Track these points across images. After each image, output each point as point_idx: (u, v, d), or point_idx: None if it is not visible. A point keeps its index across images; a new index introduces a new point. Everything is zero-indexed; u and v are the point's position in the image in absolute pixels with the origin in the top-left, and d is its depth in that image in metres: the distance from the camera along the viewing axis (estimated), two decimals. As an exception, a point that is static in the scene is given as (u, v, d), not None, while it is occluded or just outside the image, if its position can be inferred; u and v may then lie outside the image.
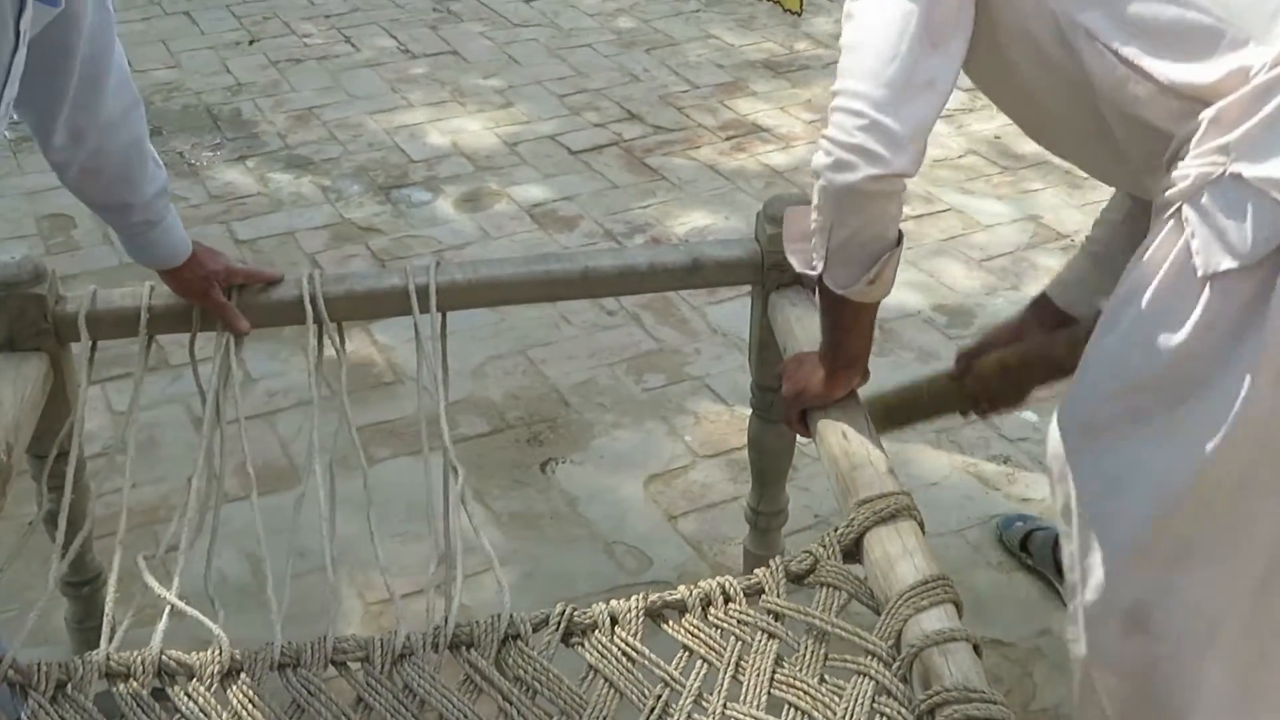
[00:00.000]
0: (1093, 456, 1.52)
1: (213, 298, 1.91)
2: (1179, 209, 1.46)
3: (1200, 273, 1.42)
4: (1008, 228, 3.85)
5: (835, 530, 1.47)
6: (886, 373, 3.12)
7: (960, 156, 4.29)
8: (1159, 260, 1.47)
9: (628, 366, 3.23)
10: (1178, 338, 1.44)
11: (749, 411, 3.00)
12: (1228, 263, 1.40)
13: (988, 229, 3.85)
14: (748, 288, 2.01)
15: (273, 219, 3.92)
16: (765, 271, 1.84)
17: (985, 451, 2.90)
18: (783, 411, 1.78)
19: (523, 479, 2.85)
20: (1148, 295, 1.47)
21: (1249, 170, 1.40)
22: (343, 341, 1.98)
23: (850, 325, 1.66)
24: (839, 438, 1.54)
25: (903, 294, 3.49)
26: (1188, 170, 1.45)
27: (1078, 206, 3.99)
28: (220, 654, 1.48)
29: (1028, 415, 3.02)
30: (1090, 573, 1.53)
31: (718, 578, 1.48)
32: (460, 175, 4.19)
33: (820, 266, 1.58)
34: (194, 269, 1.89)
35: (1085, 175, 3.90)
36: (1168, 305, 1.45)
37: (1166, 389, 1.46)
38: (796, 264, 1.66)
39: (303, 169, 4.22)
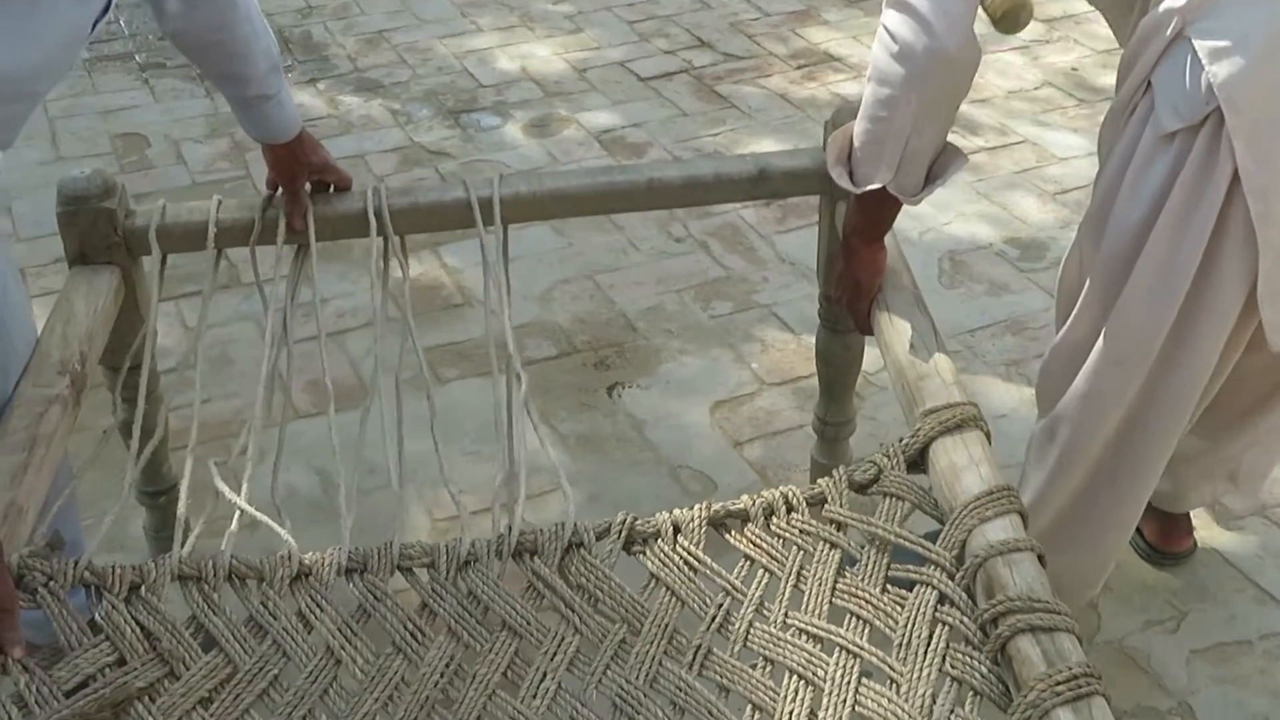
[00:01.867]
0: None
1: (297, 186, 1.93)
2: (1148, 79, 1.68)
3: (1159, 133, 1.65)
4: (1082, 161, 3.79)
5: (900, 440, 1.46)
6: (956, 304, 3.11)
7: (1036, 88, 4.22)
8: (1137, 123, 1.71)
9: (695, 293, 3.22)
10: (1149, 191, 1.68)
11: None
12: (1176, 123, 1.63)
13: (1062, 162, 3.79)
14: (815, 218, 2.01)
15: (342, 141, 3.94)
16: (833, 181, 1.83)
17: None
18: (854, 318, 1.82)
19: (589, 402, 2.86)
20: (1128, 157, 1.73)
21: (1192, 32, 1.60)
22: (406, 255, 1.98)
23: (894, 216, 1.77)
24: (905, 347, 1.53)
25: (974, 226, 3.46)
26: (1147, 29, 1.67)
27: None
28: (289, 559, 1.50)
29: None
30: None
31: (780, 488, 1.48)
32: (529, 100, 4.19)
33: (889, 175, 1.61)
34: (295, 151, 1.92)
35: None
36: (1141, 163, 1.70)
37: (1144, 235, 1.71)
38: (847, 184, 1.69)
39: (372, 92, 4.24)
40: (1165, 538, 2.40)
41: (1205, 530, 2.47)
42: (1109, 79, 4.29)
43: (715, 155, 3.70)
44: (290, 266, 1.98)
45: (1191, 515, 2.43)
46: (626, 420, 2.81)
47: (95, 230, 1.87)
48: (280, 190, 1.95)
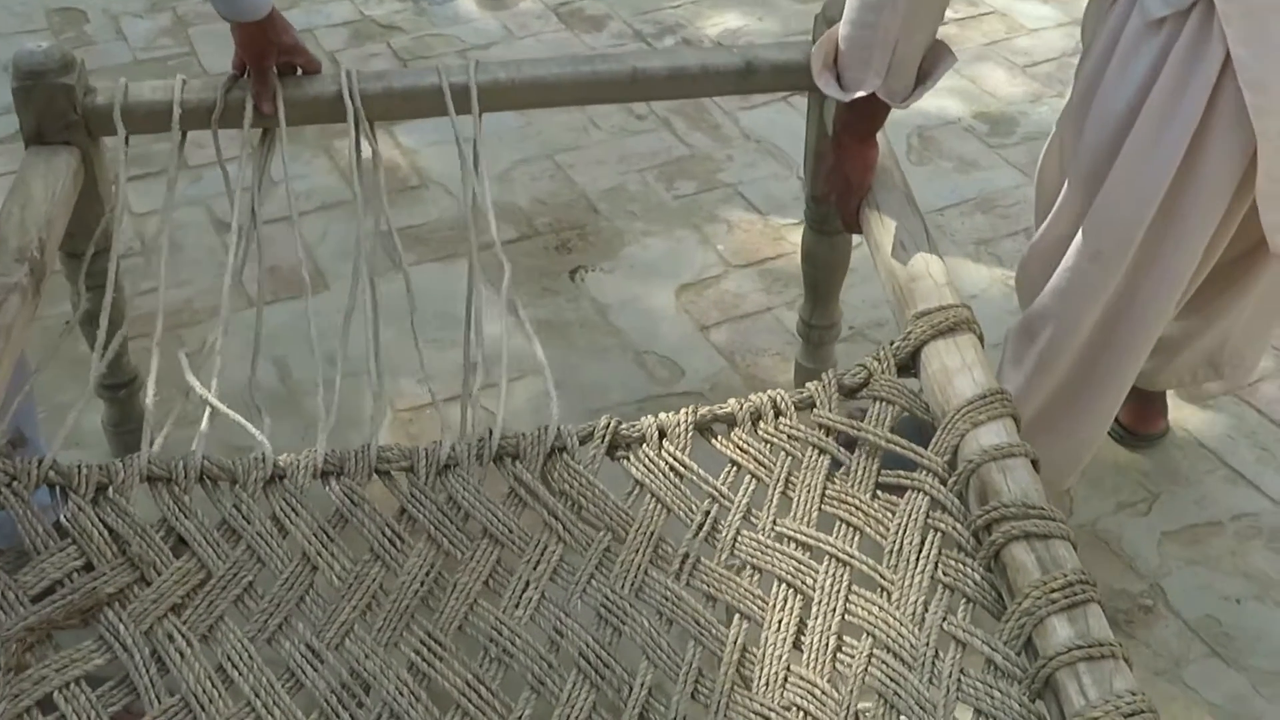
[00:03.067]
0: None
1: (265, 66, 1.87)
2: None
3: (1146, 19, 1.62)
4: (1053, 32, 3.74)
5: (891, 343, 1.44)
6: (924, 182, 3.07)
7: (1005, -43, 4.14)
8: (1122, 9, 1.68)
9: (658, 173, 3.17)
10: (1135, 78, 1.66)
11: (783, 220, 2.97)
12: (1163, 9, 1.59)
13: (1032, 33, 3.73)
14: (781, 94, 1.96)
15: (291, 15, 3.69)
16: (823, 75, 1.79)
17: (1025, 264, 2.86)
18: (843, 216, 1.79)
19: (551, 287, 2.82)
20: (1112, 44, 1.70)
21: None
22: (376, 141, 1.93)
23: (884, 116, 1.73)
24: (897, 248, 1.50)
25: (942, 100, 3.41)
26: None
27: (1126, 10, 3.86)
28: (264, 461, 1.47)
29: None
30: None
31: (768, 391, 1.45)
32: (483, -29, 4.07)
33: (878, 81, 1.58)
34: (266, 30, 1.85)
35: None
36: (1126, 49, 1.67)
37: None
38: (835, 91, 1.65)
39: (319, -38, 4.10)
40: (1139, 419, 2.41)
41: (1177, 411, 2.48)
42: (1079, -52, 4.21)
43: (699, 46, 3.61)
44: (255, 150, 1.91)
45: (1166, 396, 2.44)
46: (590, 305, 2.77)
47: (53, 108, 1.79)
48: (246, 71, 1.88)
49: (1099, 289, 1.77)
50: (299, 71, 1.92)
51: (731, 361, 2.62)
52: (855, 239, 2.01)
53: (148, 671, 1.30)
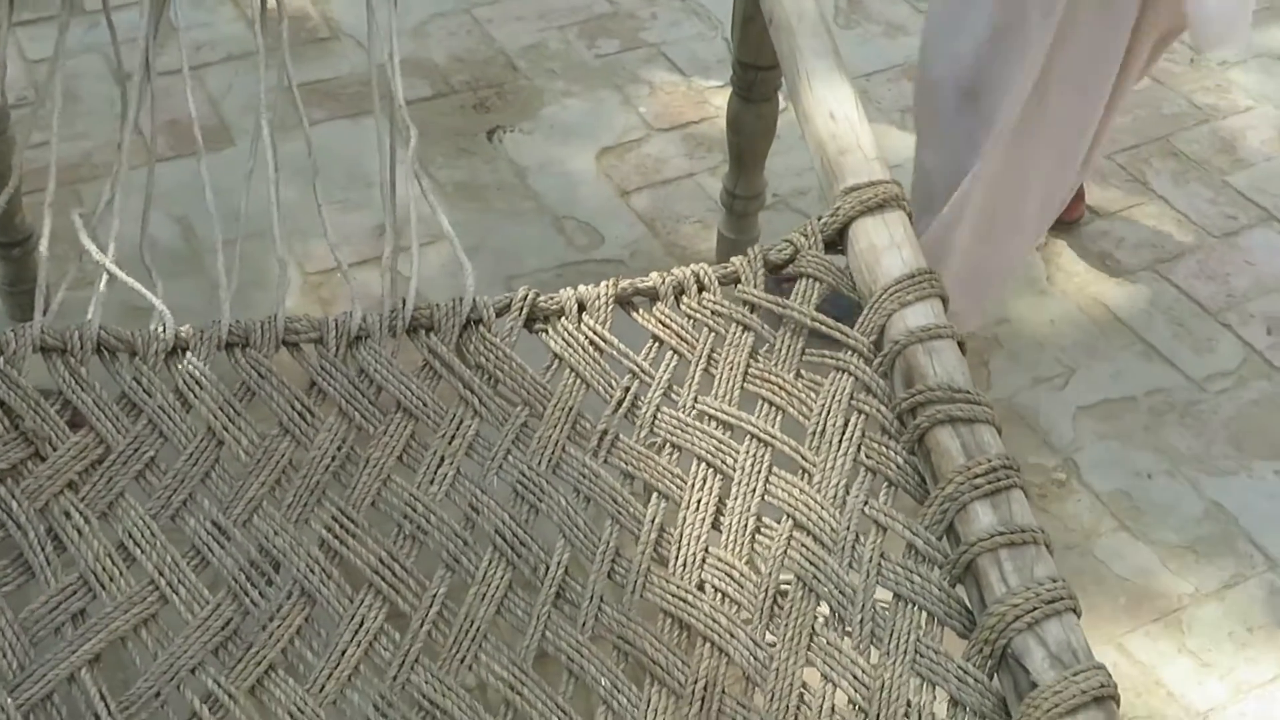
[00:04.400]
0: None
1: None
2: None
3: None
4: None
5: (818, 218, 1.40)
6: (851, 46, 3.02)
7: None
8: None
9: (580, 30, 3.09)
10: None
11: (708, 83, 2.91)
12: None
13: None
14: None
15: None
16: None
17: (950, 132, 2.83)
18: None
19: (468, 147, 2.75)
20: None
21: None
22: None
23: None
24: (826, 119, 1.45)
25: (871, -39, 3.34)
26: None
27: None
28: (164, 331, 1.41)
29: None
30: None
31: (691, 266, 1.41)
32: None
33: None
34: None
35: None
36: None
37: None
38: None
39: None
40: None
41: (1095, 285, 2.49)
42: None
43: None
44: (148, -1, 1.81)
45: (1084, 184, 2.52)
46: (508, 167, 2.71)
47: (-74, -52, 1.68)
48: None
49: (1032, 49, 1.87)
50: None
51: (652, 228, 2.59)
52: (782, 104, 1.97)
53: (43, 550, 1.26)
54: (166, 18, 1.81)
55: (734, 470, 1.29)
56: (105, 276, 1.50)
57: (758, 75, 1.92)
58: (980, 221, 2.05)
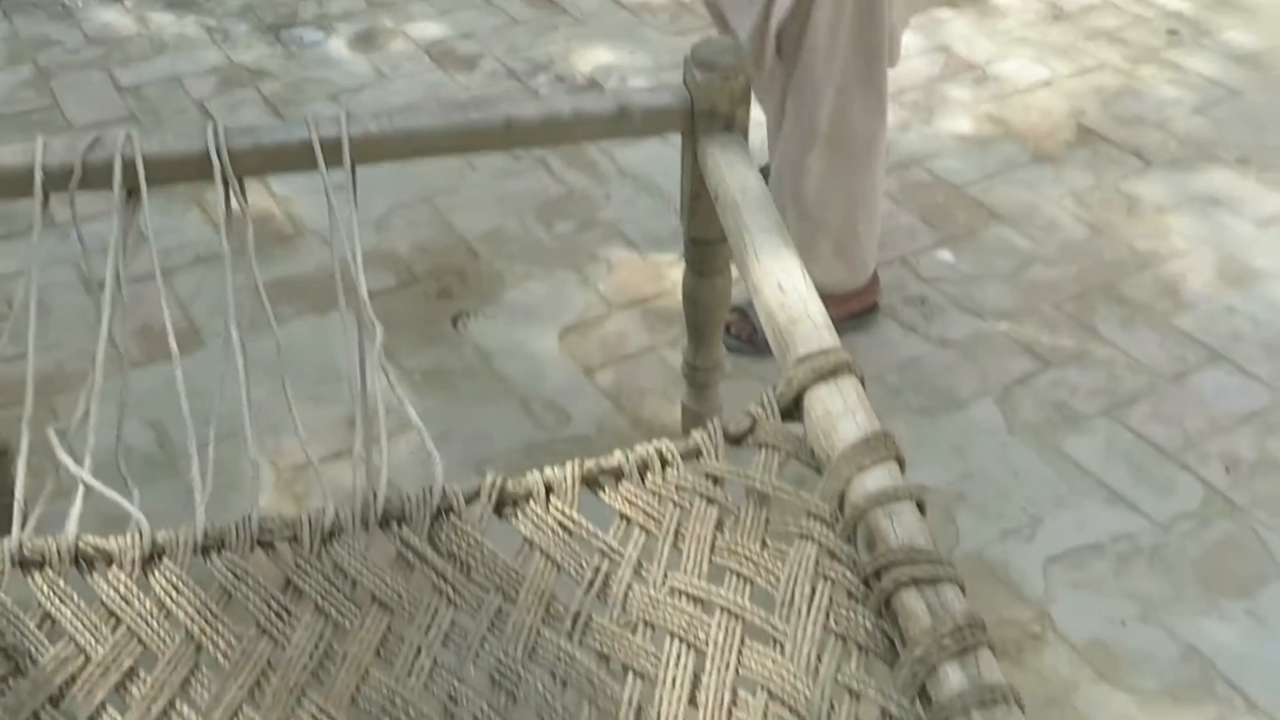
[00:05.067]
0: None
1: None
2: None
3: None
4: (917, 60, 3.81)
5: (774, 389, 1.44)
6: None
7: (869, -14, 4.21)
8: None
9: (537, 213, 3.17)
10: None
11: (663, 257, 2.98)
12: None
13: (900, 61, 3.80)
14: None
15: (157, 63, 3.76)
16: (696, 119, 1.78)
17: (901, 293, 2.90)
18: None
19: (434, 335, 2.80)
20: None
21: None
22: (245, 197, 1.89)
23: None
24: (774, 290, 1.50)
25: (815, 132, 3.45)
26: None
27: (988, 35, 3.95)
28: (141, 538, 1.43)
29: (944, 255, 3.03)
30: None
31: (654, 442, 1.45)
32: (353, 13, 4.04)
33: None
34: None
35: (996, 4, 3.92)
36: None
37: None
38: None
39: (185, 8, 4.04)
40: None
41: (1052, 434, 2.53)
42: (940, -23, 4.30)
43: (573, 90, 3.62)
44: (118, 212, 1.86)
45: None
46: (473, 352, 2.76)
47: (-96, 173, 1.74)
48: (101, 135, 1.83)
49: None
50: None
51: (617, 403, 2.62)
52: (735, 275, 2.02)
53: (26, 766, 1.26)
54: (136, 226, 1.87)
55: (707, 645, 1.30)
56: (82, 489, 1.52)
57: (708, 249, 1.97)
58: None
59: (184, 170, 1.84)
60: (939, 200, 3.21)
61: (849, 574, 1.31)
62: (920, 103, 3.60)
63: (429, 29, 3.95)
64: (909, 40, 3.87)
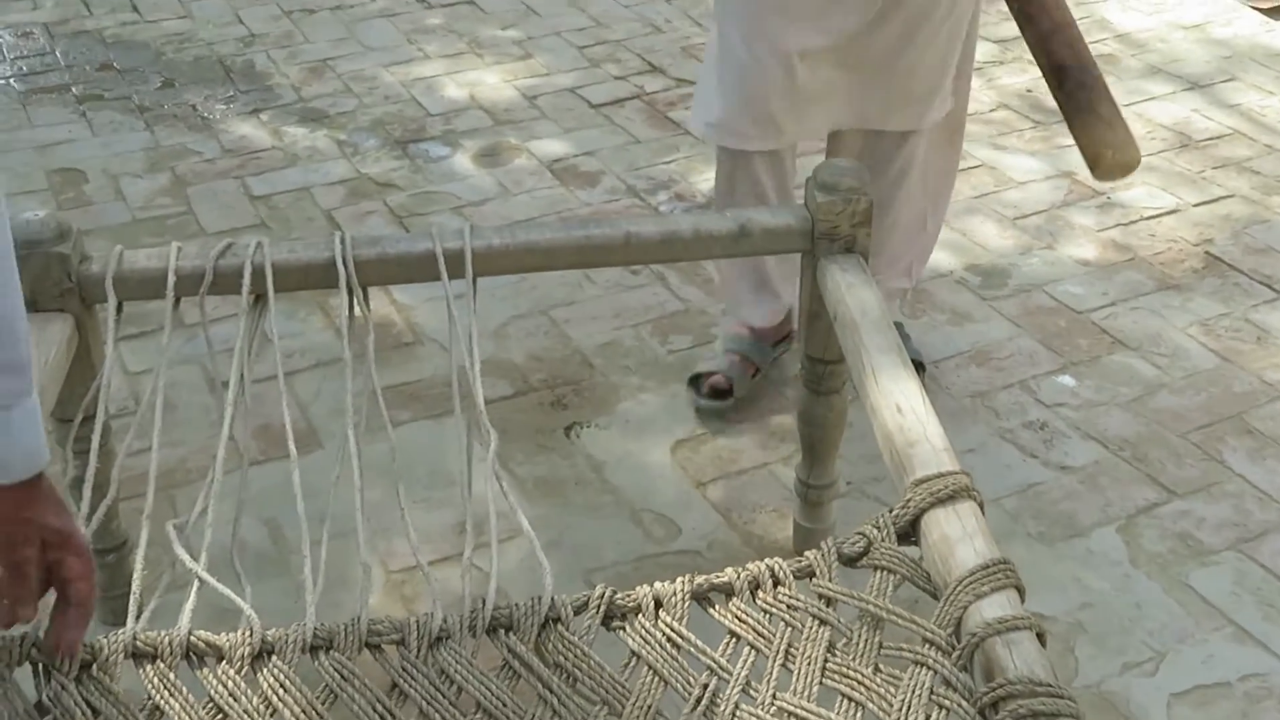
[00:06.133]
0: None
1: (19, 558, 1.30)
2: None
3: None
4: (1041, 184, 3.79)
5: (890, 511, 1.42)
6: (919, 334, 3.08)
7: (991, 110, 4.21)
8: None
9: (652, 327, 3.18)
10: None
11: (778, 374, 2.97)
12: None
13: (1020, 186, 3.78)
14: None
15: (288, 174, 3.87)
16: (816, 240, 1.79)
17: (1021, 417, 2.86)
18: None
19: (547, 444, 2.81)
20: None
21: None
22: (368, 306, 1.93)
23: None
24: (893, 412, 1.49)
25: (934, 254, 3.43)
26: None
27: (1113, 163, 3.91)
28: (251, 635, 1.44)
29: (1065, 380, 2.98)
30: None
31: (766, 560, 1.43)
32: (478, 129, 4.13)
33: None
34: (21, 504, 1.27)
35: None
36: None
37: None
38: None
39: (318, 122, 4.16)
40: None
41: (1177, 566, 2.46)
42: (1063, 103, 4.30)
43: (695, 211, 3.65)
44: (245, 315, 1.91)
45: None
46: (585, 462, 2.76)
47: (48, 276, 1.81)
48: (233, 241, 1.88)
49: None
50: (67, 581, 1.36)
51: (727, 518, 2.60)
52: (852, 394, 2.01)
53: None
54: (261, 329, 1.91)
55: (816, 768, 1.27)
56: (197, 583, 1.54)
57: (826, 369, 1.97)
58: None
59: (310, 278, 1.89)
60: (1061, 325, 3.16)
61: (964, 703, 1.27)
62: (1043, 227, 3.58)
63: (552, 146, 4.02)
64: (1031, 165, 3.87)
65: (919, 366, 2.97)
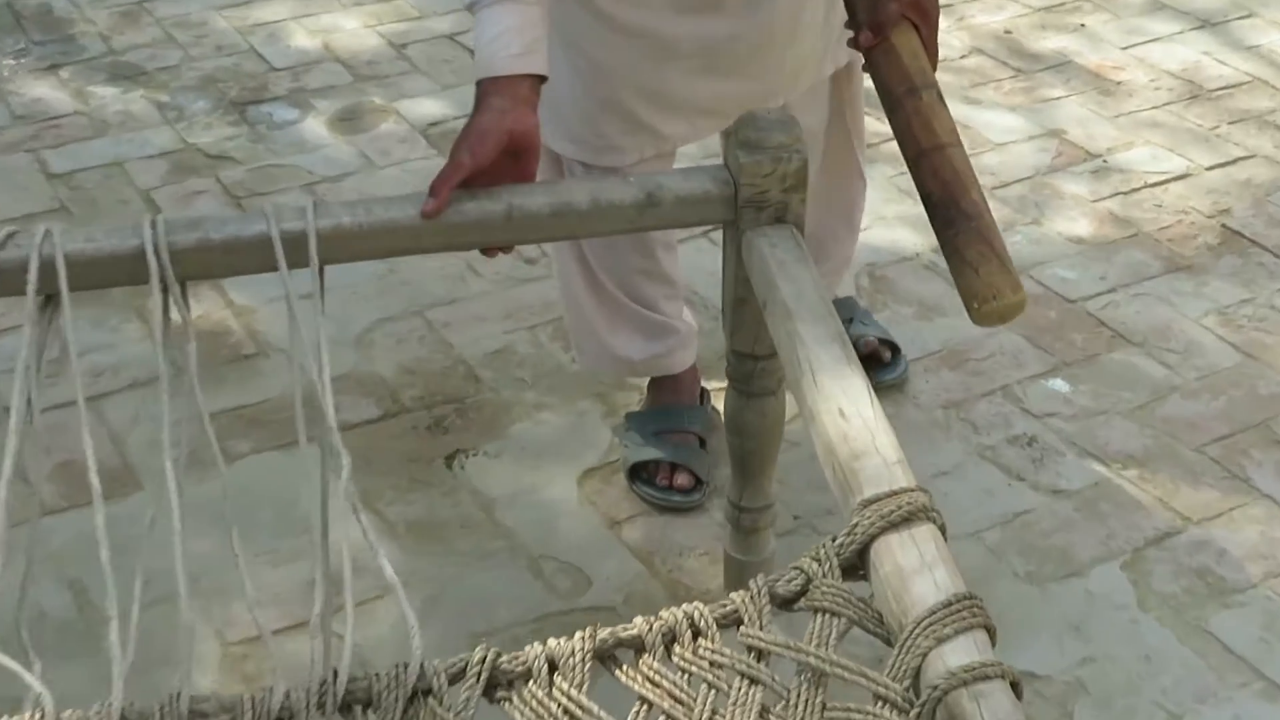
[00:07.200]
0: None
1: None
2: None
3: None
4: (1023, 146, 3.85)
5: (833, 539, 1.44)
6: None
7: (962, 57, 4.27)
8: None
9: (554, 329, 3.19)
10: None
11: (706, 384, 2.99)
12: None
13: (999, 148, 3.85)
14: (705, 228, 2.00)
15: (95, 146, 3.85)
16: (739, 209, 1.81)
17: (1005, 431, 2.90)
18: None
19: (423, 477, 2.81)
20: None
21: None
22: (188, 305, 1.90)
23: None
24: (835, 418, 1.50)
25: (895, 232, 3.49)
26: None
27: (1110, 118, 3.99)
28: (42, 718, 1.42)
29: (1057, 384, 3.02)
30: None
31: (684, 606, 1.44)
32: (334, 87, 4.13)
33: None
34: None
35: (1119, 80, 3.93)
36: None
37: None
38: None
39: (132, 81, 4.14)
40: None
41: (1196, 610, 2.50)
42: (1051, 42, 4.37)
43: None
44: (33, 323, 1.88)
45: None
46: (471, 499, 2.77)
47: None
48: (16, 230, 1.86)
49: None
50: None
51: (650, 565, 2.61)
52: (790, 401, 2.02)
53: None
54: (59, 339, 1.88)
55: None
56: (-25, 661, 1.52)
57: (756, 365, 1.99)
58: None
59: (115, 273, 1.86)
60: (1050, 317, 3.21)
61: (926, 773, 1.29)
62: (1027, 198, 3.63)
63: (427, 106, 4.03)
64: (1011, 122, 3.93)
65: (893, 349, 3.02)
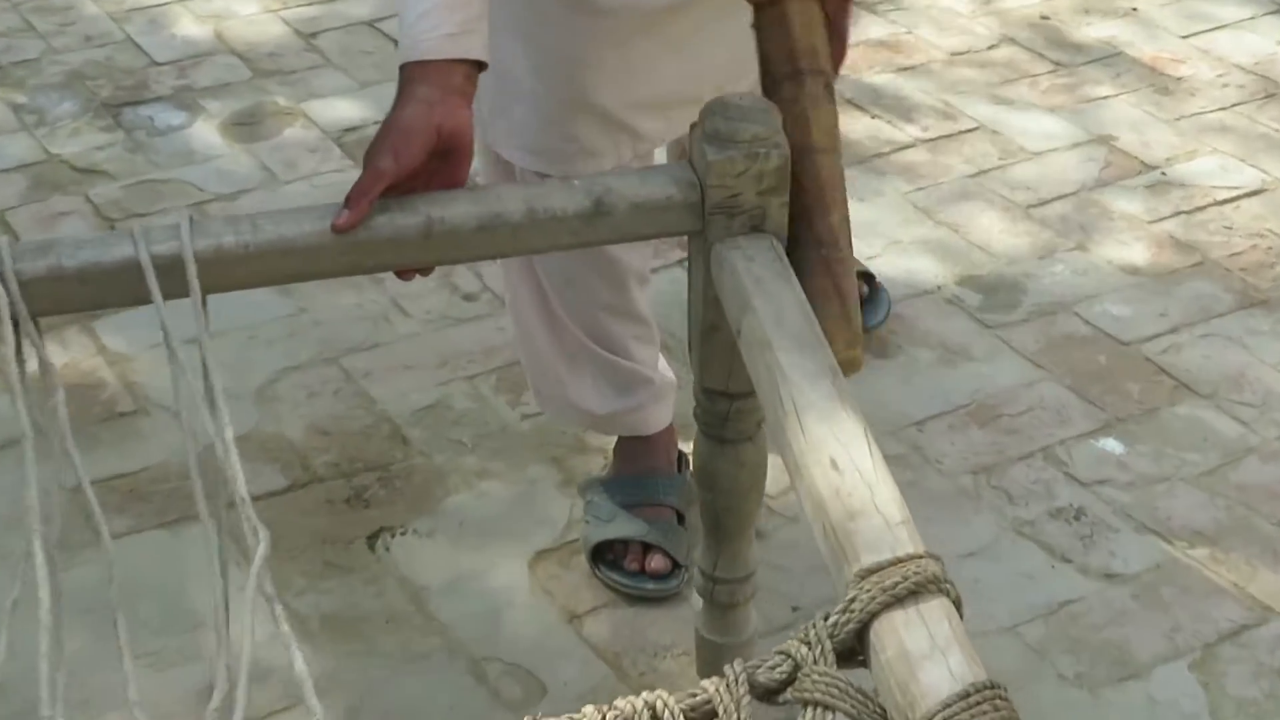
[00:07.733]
0: None
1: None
2: None
3: None
4: (1066, 155, 3.90)
5: (825, 617, 1.45)
6: (893, 381, 3.13)
7: (990, 48, 4.30)
8: None
9: (498, 380, 3.21)
10: None
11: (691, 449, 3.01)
12: None
13: (1036, 157, 3.89)
14: (680, 254, 1.98)
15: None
16: (708, 216, 1.82)
17: (1047, 502, 2.93)
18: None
19: (340, 561, 2.82)
20: None
21: None
22: (43, 345, 1.86)
23: None
24: (825, 469, 1.49)
25: (913, 260, 3.52)
26: None
27: (1168, 121, 4.02)
28: None
29: (1109, 444, 3.03)
30: None
31: (644, 695, 1.41)
32: (229, 85, 4.15)
33: None
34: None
35: (1179, 76, 3.93)
36: None
37: None
38: None
39: (-18, 78, 4.16)
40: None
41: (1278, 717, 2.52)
42: (1096, 31, 4.41)
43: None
44: None
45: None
46: (399, 587, 2.77)
47: None
48: None
49: None
50: None
51: (617, 668, 2.62)
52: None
53: None
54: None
55: None
56: None
57: (730, 406, 2.00)
58: None
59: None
60: (1100, 363, 3.25)
61: None
62: (1070, 219, 3.67)
63: (341, 109, 4.07)
64: (1051, 126, 3.96)
65: (867, 279, 3.16)
